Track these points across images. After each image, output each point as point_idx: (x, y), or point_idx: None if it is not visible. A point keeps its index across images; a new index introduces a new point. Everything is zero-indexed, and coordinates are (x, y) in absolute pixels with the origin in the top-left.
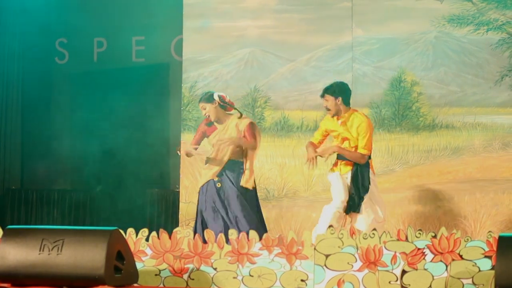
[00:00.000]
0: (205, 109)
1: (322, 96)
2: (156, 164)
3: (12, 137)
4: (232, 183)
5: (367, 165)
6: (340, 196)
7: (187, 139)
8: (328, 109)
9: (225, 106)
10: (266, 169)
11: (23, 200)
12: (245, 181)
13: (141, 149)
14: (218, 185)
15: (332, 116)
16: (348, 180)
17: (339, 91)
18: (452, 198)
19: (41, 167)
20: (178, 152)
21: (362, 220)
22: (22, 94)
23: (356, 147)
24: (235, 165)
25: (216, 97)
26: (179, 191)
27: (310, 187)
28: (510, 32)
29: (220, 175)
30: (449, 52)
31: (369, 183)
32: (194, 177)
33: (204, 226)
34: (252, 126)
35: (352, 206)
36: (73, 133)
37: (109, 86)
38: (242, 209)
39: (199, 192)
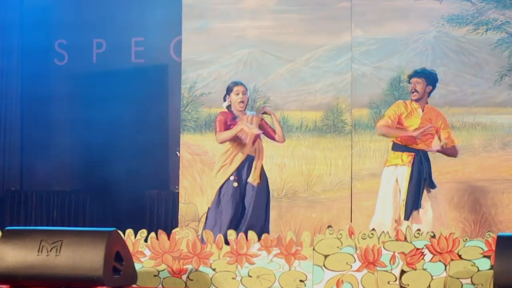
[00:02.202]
0: (244, 94)
1: (413, 77)
2: (156, 165)
3: (12, 138)
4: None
5: (427, 157)
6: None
7: (186, 140)
8: (415, 91)
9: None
10: (265, 169)
11: (22, 202)
12: (254, 179)
13: (141, 150)
14: (235, 184)
15: (415, 100)
16: (406, 174)
17: (432, 81)
18: (451, 198)
19: (40, 168)
20: (177, 153)
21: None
22: (21, 95)
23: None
24: (251, 161)
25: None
26: (178, 192)
27: (309, 188)
28: (509, 31)
29: (237, 173)
30: (448, 52)
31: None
32: (193, 178)
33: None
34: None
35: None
36: (72, 134)
37: (108, 87)
38: (257, 207)
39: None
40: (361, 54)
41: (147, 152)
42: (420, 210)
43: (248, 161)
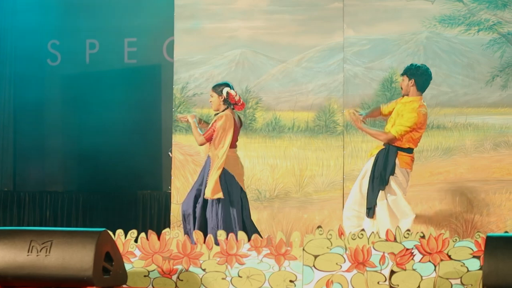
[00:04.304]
0: (212, 96)
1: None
2: (148, 165)
3: (5, 138)
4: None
5: (394, 153)
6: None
7: (178, 140)
8: (401, 88)
9: (229, 103)
10: (257, 170)
11: (15, 202)
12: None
13: (133, 150)
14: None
15: (403, 96)
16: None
17: (412, 73)
18: (443, 198)
19: (33, 169)
20: (169, 153)
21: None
22: (14, 96)
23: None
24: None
25: (224, 92)
26: (170, 193)
27: (301, 188)
28: (501, 32)
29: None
30: (440, 52)
31: (392, 173)
32: (185, 178)
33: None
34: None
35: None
36: (65, 134)
37: (101, 87)
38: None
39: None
40: (353, 55)
41: (139, 152)
42: (377, 207)
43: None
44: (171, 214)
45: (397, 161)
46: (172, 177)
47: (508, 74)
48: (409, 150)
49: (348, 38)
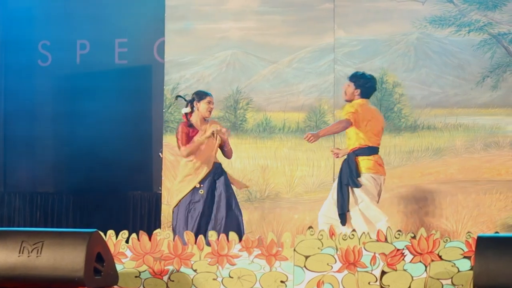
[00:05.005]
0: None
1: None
2: (138, 166)
3: None
4: (222, 185)
5: (353, 161)
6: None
7: (169, 141)
8: (345, 93)
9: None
10: (248, 170)
11: (5, 203)
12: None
13: (124, 151)
14: (201, 192)
15: (345, 101)
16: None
17: (360, 85)
18: (433, 199)
19: (24, 170)
20: (160, 154)
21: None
22: (5, 96)
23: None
24: (216, 168)
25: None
26: (161, 193)
27: (292, 189)
28: (491, 33)
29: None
30: (430, 53)
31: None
32: (176, 179)
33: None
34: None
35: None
36: (56, 135)
37: (92, 88)
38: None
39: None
40: (344, 56)
41: (130, 153)
42: (350, 213)
43: (214, 168)
44: (162, 215)
45: (360, 167)
46: (162, 178)
47: (499, 75)
48: (370, 151)
49: (339, 39)
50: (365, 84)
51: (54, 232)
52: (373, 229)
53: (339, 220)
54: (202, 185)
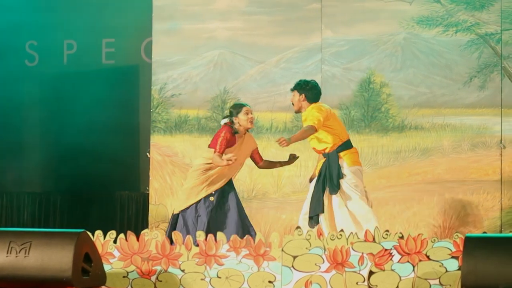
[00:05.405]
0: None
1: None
2: (126, 166)
3: None
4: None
5: (335, 156)
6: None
7: (156, 141)
8: (292, 104)
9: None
10: None
11: None
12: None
13: (111, 151)
14: (212, 199)
15: (296, 113)
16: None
17: (304, 89)
18: (421, 199)
19: (11, 170)
20: (148, 154)
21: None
22: None
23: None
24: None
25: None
26: (148, 193)
27: (279, 189)
28: (478, 33)
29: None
30: (418, 53)
31: (341, 176)
32: (163, 179)
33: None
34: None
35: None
36: (43, 135)
37: (79, 88)
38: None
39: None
40: (331, 56)
41: (117, 153)
42: (338, 216)
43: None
44: (149, 215)
45: (343, 163)
46: (150, 178)
47: (486, 75)
48: (348, 145)
49: (326, 39)
50: (305, 87)
51: (42, 232)
52: (361, 229)
53: (308, 221)
54: (214, 192)
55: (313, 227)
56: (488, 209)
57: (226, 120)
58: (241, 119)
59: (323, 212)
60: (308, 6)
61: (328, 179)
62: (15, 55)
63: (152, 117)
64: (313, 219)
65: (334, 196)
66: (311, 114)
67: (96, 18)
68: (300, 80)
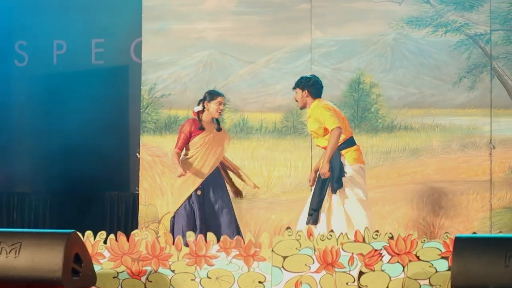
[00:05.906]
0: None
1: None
2: (116, 166)
3: None
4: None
5: (337, 156)
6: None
7: (146, 141)
8: (296, 101)
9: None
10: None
11: None
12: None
13: (101, 151)
14: (199, 192)
15: (301, 109)
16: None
17: (306, 85)
18: (411, 199)
19: (0, 170)
20: (137, 154)
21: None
22: None
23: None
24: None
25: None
26: (138, 194)
27: (269, 189)
28: (468, 33)
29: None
30: (407, 53)
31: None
32: (153, 179)
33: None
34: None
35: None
36: (33, 135)
37: (68, 88)
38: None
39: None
40: (321, 56)
41: (107, 153)
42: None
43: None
44: (139, 215)
45: (345, 161)
46: (140, 178)
47: (475, 76)
48: (352, 142)
49: (315, 39)
50: (308, 83)
51: (32, 232)
52: (353, 229)
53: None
54: (200, 186)
55: (314, 224)
56: (477, 209)
57: (199, 108)
58: (211, 106)
59: (320, 209)
60: (297, 7)
61: (331, 177)
62: (4, 55)
63: (142, 118)
64: (313, 217)
65: (333, 195)
66: (322, 115)
67: (86, 18)
68: (301, 77)
